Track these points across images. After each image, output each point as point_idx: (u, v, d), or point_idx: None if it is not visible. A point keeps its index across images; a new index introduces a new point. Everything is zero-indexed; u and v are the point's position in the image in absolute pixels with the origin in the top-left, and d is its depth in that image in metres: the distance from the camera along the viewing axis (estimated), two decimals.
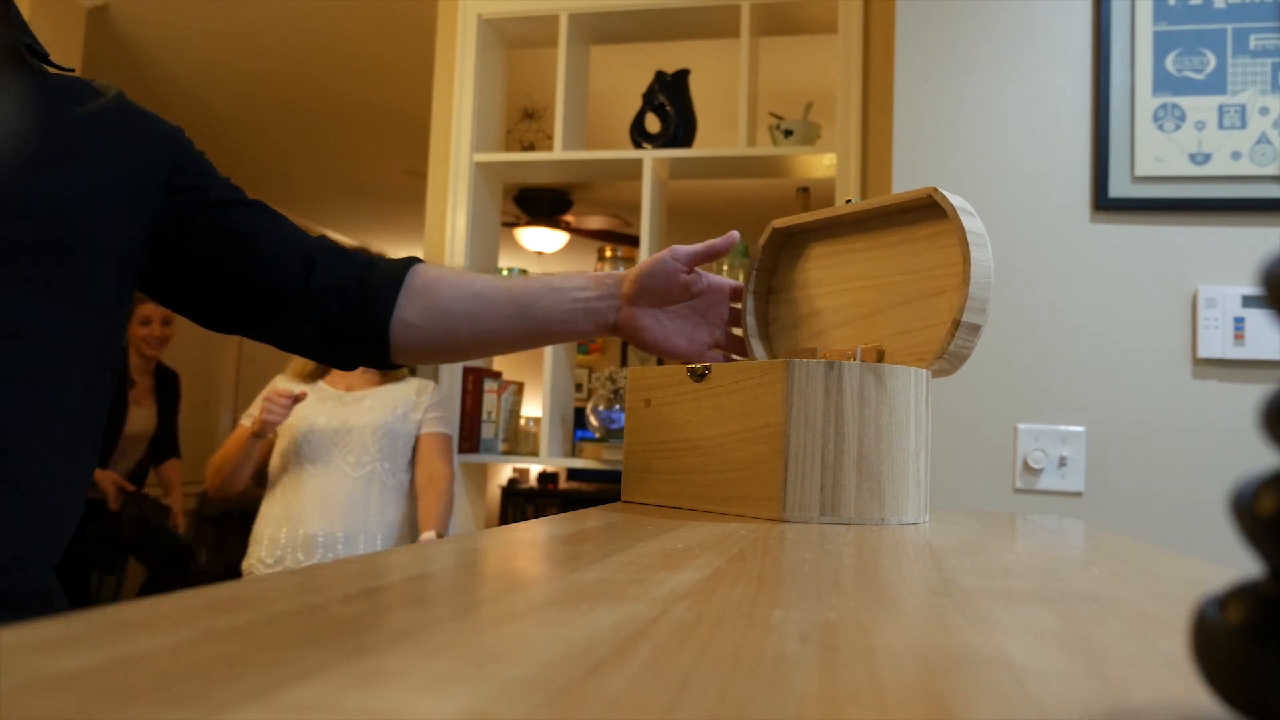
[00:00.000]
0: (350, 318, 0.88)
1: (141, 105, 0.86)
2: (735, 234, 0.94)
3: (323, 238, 0.91)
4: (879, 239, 0.92)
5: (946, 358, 0.82)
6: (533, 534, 0.57)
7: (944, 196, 0.83)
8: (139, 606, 0.29)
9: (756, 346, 1.01)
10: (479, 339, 0.91)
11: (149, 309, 3.04)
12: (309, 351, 0.90)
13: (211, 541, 4.92)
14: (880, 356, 0.87)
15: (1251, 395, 1.50)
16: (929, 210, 0.87)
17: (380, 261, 0.91)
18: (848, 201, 0.95)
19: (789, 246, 1.04)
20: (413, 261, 0.92)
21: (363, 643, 0.26)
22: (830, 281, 0.97)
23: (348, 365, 0.92)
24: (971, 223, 0.82)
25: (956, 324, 0.80)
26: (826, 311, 0.97)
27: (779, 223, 1.02)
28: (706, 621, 0.31)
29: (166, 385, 3.22)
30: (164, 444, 3.19)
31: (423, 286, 0.89)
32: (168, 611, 0.29)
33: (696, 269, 0.94)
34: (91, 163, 0.78)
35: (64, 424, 0.74)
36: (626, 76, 3.36)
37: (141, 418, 3.10)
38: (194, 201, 0.85)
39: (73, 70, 0.84)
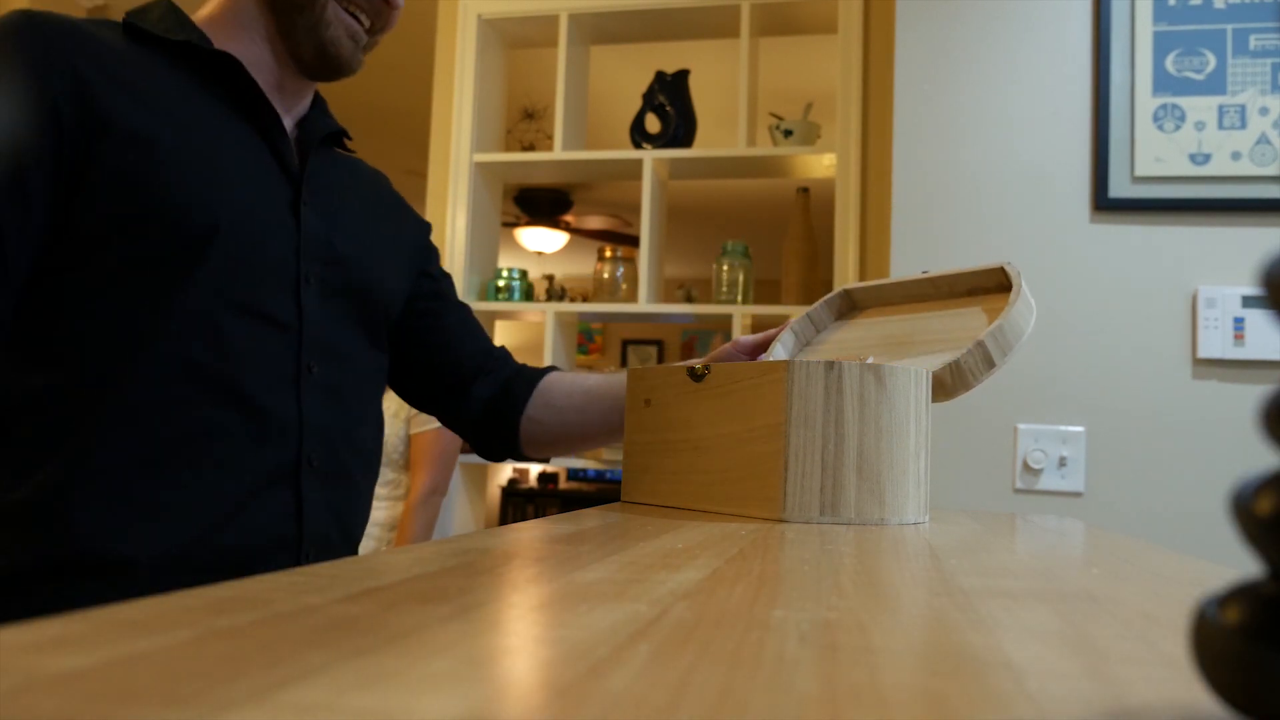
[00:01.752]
0: (493, 416, 1.05)
1: None
2: (791, 322, 1.07)
3: (498, 348, 1.09)
4: (934, 307, 0.98)
5: (951, 369, 0.83)
6: (533, 534, 0.57)
7: (1014, 269, 0.90)
8: (139, 606, 0.29)
9: None
10: (586, 430, 1.05)
11: None
12: (466, 434, 1.08)
13: None
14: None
15: (1251, 395, 1.50)
16: (991, 290, 0.93)
17: (526, 370, 1.08)
18: (924, 271, 1.00)
19: (847, 309, 1.09)
20: (551, 369, 1.09)
21: (363, 643, 0.26)
22: (868, 337, 1.02)
23: (493, 455, 1.08)
24: (1029, 297, 0.89)
25: (979, 343, 0.83)
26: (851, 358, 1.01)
27: (850, 287, 1.07)
28: (706, 621, 0.31)
29: None
30: None
31: (545, 387, 1.05)
32: (168, 611, 0.29)
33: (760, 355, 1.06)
34: (379, 229, 0.97)
35: (365, 430, 0.92)
36: (626, 76, 3.36)
37: None
38: (430, 289, 1.05)
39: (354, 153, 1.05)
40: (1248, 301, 1.50)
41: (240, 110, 0.84)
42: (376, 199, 1.00)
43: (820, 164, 2.36)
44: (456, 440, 2.35)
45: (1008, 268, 0.91)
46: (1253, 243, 1.52)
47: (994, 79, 1.63)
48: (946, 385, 0.84)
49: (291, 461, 0.81)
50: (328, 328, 0.86)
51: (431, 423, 2.33)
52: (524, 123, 4.03)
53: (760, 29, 2.46)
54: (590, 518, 0.70)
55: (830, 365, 0.75)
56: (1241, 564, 1.43)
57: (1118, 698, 0.24)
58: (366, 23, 0.90)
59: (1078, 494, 1.54)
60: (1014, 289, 0.88)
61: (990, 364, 0.83)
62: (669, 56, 3.05)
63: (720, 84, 3.31)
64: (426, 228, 1.09)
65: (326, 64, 0.89)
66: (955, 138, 1.63)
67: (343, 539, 0.88)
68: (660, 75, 2.52)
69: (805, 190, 2.50)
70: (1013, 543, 0.66)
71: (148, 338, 0.74)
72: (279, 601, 0.31)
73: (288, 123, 0.90)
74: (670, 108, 2.47)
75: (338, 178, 0.93)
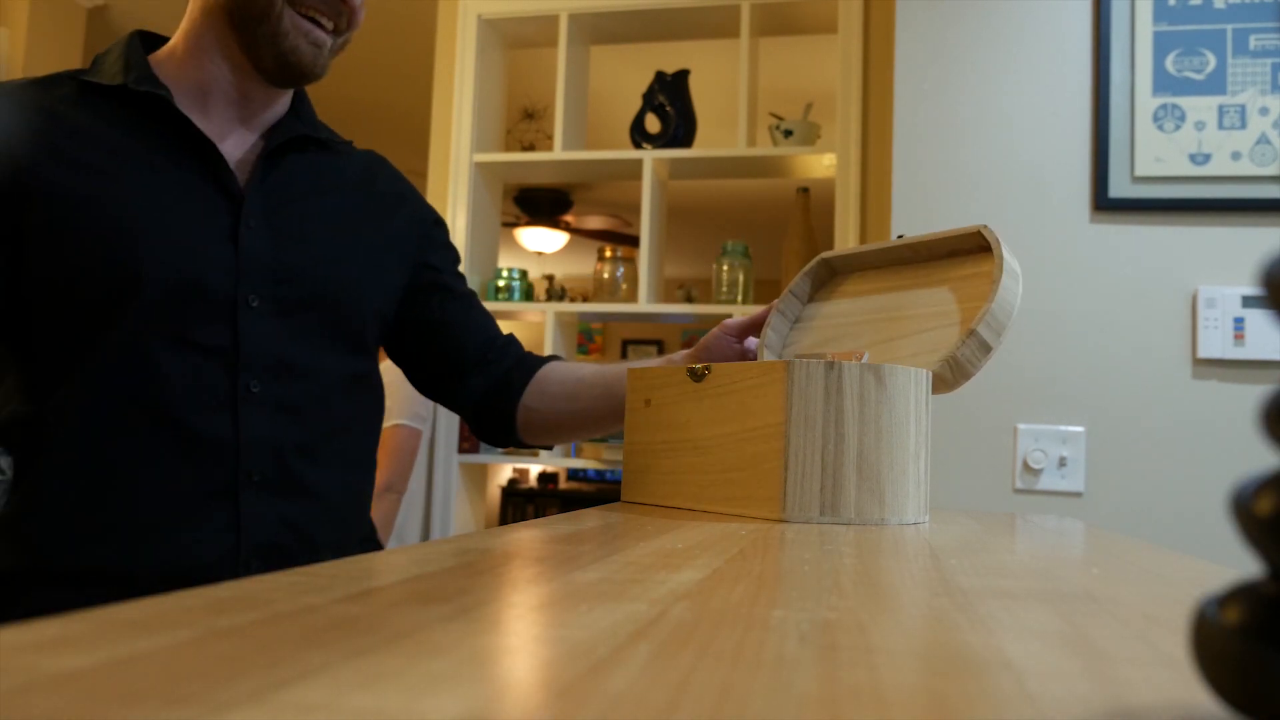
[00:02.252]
0: (493, 402, 1.07)
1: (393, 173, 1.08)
2: (776, 303, 1.06)
3: (505, 336, 1.10)
4: (917, 276, 0.96)
5: (949, 364, 0.82)
6: (533, 534, 0.57)
7: (991, 233, 0.88)
8: (139, 606, 0.29)
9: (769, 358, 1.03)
10: (576, 417, 1.06)
11: None
12: (469, 422, 1.10)
13: None
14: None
15: (1251, 395, 1.50)
16: (972, 251, 0.92)
17: (528, 358, 1.09)
18: (899, 236, 0.98)
19: (828, 278, 1.07)
20: (553, 358, 1.10)
21: (363, 643, 0.26)
22: (858, 313, 1.00)
23: (494, 441, 1.10)
24: (1012, 261, 0.86)
25: (972, 333, 0.82)
26: (844, 338, 0.99)
27: (827, 255, 1.06)
28: (706, 621, 0.31)
29: None
30: None
31: (542, 375, 1.07)
32: (168, 611, 0.29)
33: (749, 337, 1.06)
34: (359, 228, 0.97)
35: (338, 440, 0.94)
36: (626, 76, 3.36)
37: None
38: (429, 280, 1.05)
39: (350, 142, 1.05)
40: (1248, 301, 1.50)
41: (177, 145, 0.87)
42: (361, 194, 0.99)
43: (820, 164, 2.36)
44: (416, 436, 2.33)
45: (985, 231, 0.89)
46: (1253, 243, 1.52)
47: (994, 79, 1.63)
48: (948, 379, 0.84)
49: (228, 479, 0.84)
50: (276, 346, 0.87)
51: (390, 419, 2.31)
52: (524, 123, 4.03)
53: (760, 29, 2.46)
54: (590, 518, 0.70)
55: (830, 365, 0.75)
56: (1241, 564, 1.43)
57: (1118, 698, 0.24)
58: (329, 25, 0.91)
59: (1078, 494, 1.54)
60: (996, 260, 0.86)
61: (987, 349, 0.83)
62: (669, 56, 3.05)
63: (720, 84, 3.31)
64: (428, 217, 1.07)
65: (288, 71, 0.90)
66: (955, 138, 1.63)
67: (303, 547, 0.88)
68: (660, 75, 2.52)
69: (805, 190, 2.50)
70: (1013, 543, 0.66)
71: (86, 373, 0.82)
72: (279, 601, 0.31)
73: (249, 136, 0.93)
74: (670, 108, 2.47)
75: (305, 183, 0.94)
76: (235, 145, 0.92)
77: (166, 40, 0.95)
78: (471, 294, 1.09)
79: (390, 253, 1.00)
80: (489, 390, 1.06)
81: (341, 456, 0.94)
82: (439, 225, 1.09)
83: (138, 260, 0.81)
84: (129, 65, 0.88)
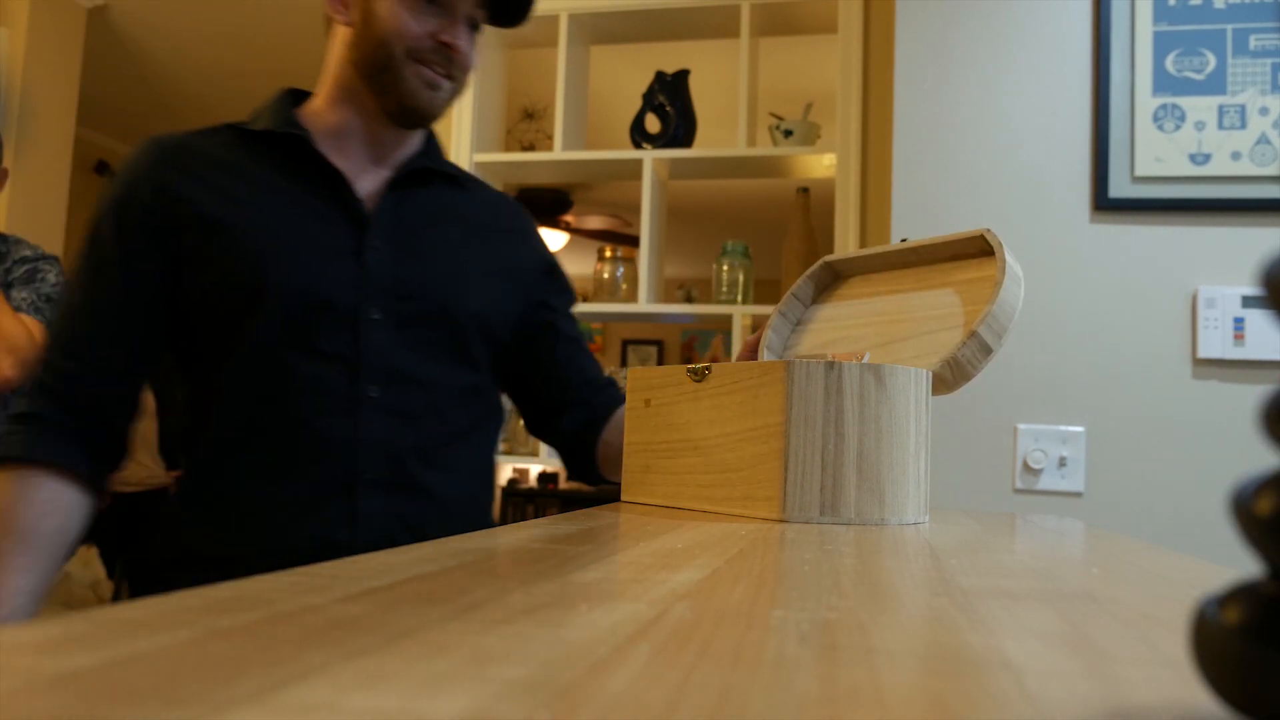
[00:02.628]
0: (581, 439, 1.11)
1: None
2: (776, 308, 1.09)
3: (606, 378, 1.15)
4: (919, 278, 0.96)
5: (950, 365, 0.82)
6: (533, 534, 0.57)
7: (994, 237, 0.88)
8: (139, 606, 0.29)
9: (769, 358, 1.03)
10: None
11: None
12: (564, 462, 1.15)
13: None
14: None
15: (1251, 395, 1.50)
16: (974, 255, 0.91)
17: (617, 395, 1.12)
18: (903, 240, 0.98)
19: (830, 281, 1.07)
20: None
21: (363, 643, 0.26)
22: (859, 316, 1.00)
23: (582, 479, 1.15)
24: (1014, 265, 0.86)
25: (973, 334, 0.81)
26: (846, 340, 0.99)
27: (830, 258, 1.06)
28: (706, 621, 0.31)
29: None
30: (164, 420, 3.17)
31: (620, 410, 1.10)
32: (168, 611, 0.29)
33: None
34: (477, 255, 1.05)
35: (455, 445, 1.01)
36: (626, 76, 3.36)
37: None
38: (544, 319, 1.11)
39: (481, 181, 1.15)
40: (1248, 301, 1.50)
41: (311, 177, 0.99)
42: (483, 226, 1.08)
43: (820, 164, 2.36)
44: None
45: (988, 235, 0.89)
46: (1253, 243, 1.52)
47: (994, 79, 1.63)
48: (948, 380, 0.84)
49: (346, 476, 0.93)
50: (394, 356, 0.96)
51: None
52: (524, 123, 4.03)
53: (760, 29, 2.46)
54: (590, 518, 0.70)
55: (830, 365, 0.75)
56: (1241, 564, 1.43)
57: (1118, 698, 0.24)
58: (443, 71, 1.00)
59: (1078, 494, 1.54)
60: (999, 264, 0.86)
61: (988, 351, 0.83)
62: (669, 56, 3.05)
63: (720, 84, 3.31)
64: (547, 261, 1.15)
65: (409, 114, 1.01)
66: (955, 138, 1.63)
67: (413, 541, 0.94)
68: (660, 75, 2.52)
69: (805, 190, 2.50)
70: (1013, 543, 0.66)
71: (228, 380, 0.94)
72: (279, 601, 0.31)
73: (381, 172, 1.04)
74: (670, 108, 2.47)
75: (428, 211, 1.04)
76: (368, 180, 1.02)
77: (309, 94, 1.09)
78: (579, 337, 1.15)
79: (507, 281, 1.07)
80: (579, 428, 1.11)
81: (457, 462, 1.01)
82: (557, 269, 1.16)
83: (268, 277, 0.92)
84: (276, 114, 1.02)
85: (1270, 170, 1.51)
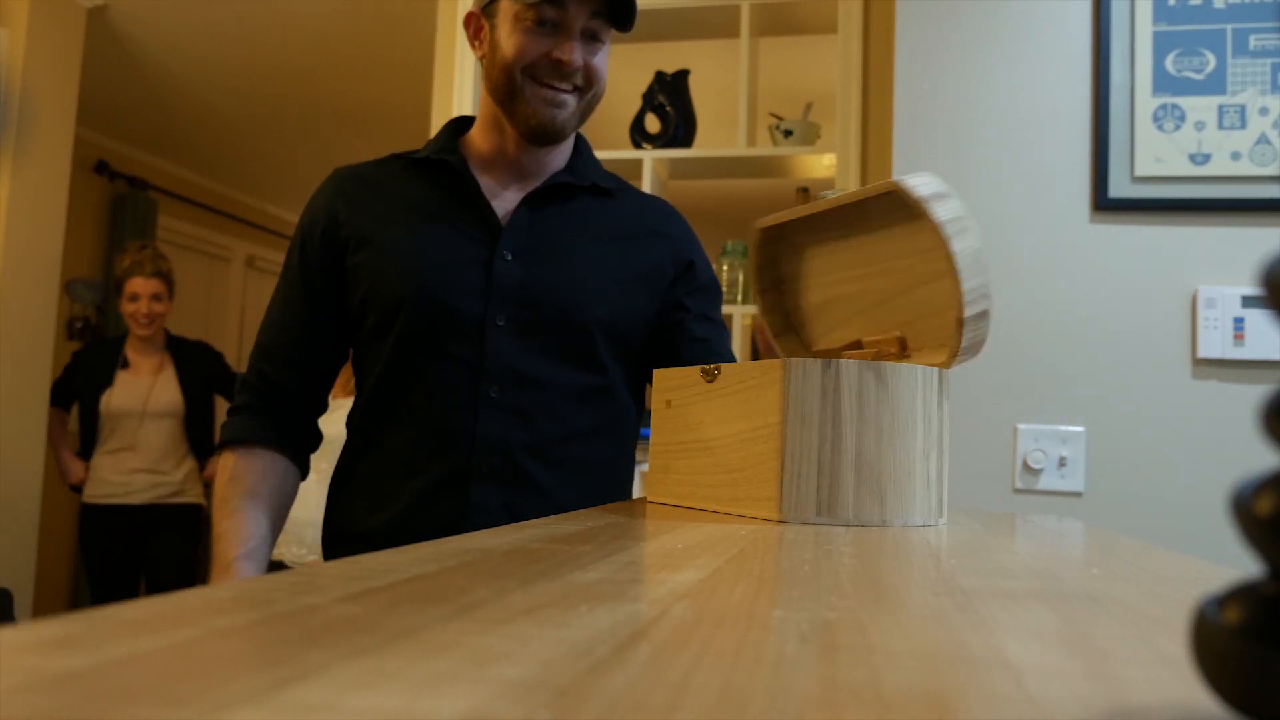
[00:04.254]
0: None
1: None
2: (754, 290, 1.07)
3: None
4: (868, 227, 0.90)
5: (964, 351, 0.79)
6: (533, 534, 0.57)
7: (908, 191, 0.78)
8: (139, 606, 0.29)
9: (781, 344, 1.00)
10: None
11: (137, 284, 2.87)
12: None
13: None
14: (904, 345, 0.85)
15: (1251, 395, 1.50)
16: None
17: None
18: (822, 195, 0.94)
19: (783, 243, 1.03)
20: None
21: (363, 643, 0.26)
22: (833, 270, 0.95)
23: None
24: (947, 208, 0.77)
25: (960, 322, 0.77)
26: (839, 301, 0.95)
27: (763, 222, 1.02)
28: (706, 621, 0.31)
29: (189, 363, 3.00)
30: (193, 423, 2.96)
31: None
32: (168, 611, 0.29)
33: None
34: (608, 263, 1.11)
35: (571, 443, 1.08)
36: (626, 76, 3.36)
37: (137, 395, 2.88)
38: (675, 319, 1.15)
39: (631, 189, 1.22)
40: (1248, 301, 1.50)
41: (458, 197, 1.10)
42: (619, 233, 1.14)
43: (820, 164, 2.36)
44: None
45: (898, 188, 0.79)
46: (1253, 243, 1.52)
47: (994, 79, 1.63)
48: (970, 355, 0.79)
49: (464, 468, 1.03)
50: (515, 360, 1.05)
51: None
52: None
53: (760, 29, 2.46)
54: (590, 518, 0.70)
55: (828, 364, 0.73)
56: (1241, 564, 1.43)
57: (1118, 698, 0.24)
58: (566, 87, 1.07)
59: (1078, 494, 1.54)
60: (940, 235, 0.76)
61: (984, 315, 0.77)
62: (669, 56, 3.05)
63: (720, 84, 3.31)
64: (686, 261, 1.17)
65: (536, 133, 1.08)
66: (955, 138, 1.63)
67: None
68: (660, 75, 2.51)
69: (805, 190, 2.50)
70: (1013, 543, 0.66)
71: (373, 379, 1.08)
72: (279, 601, 0.31)
73: (527, 187, 1.12)
74: (670, 108, 2.47)
75: (563, 223, 1.11)
76: (510, 197, 1.11)
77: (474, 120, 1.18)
78: (711, 337, 1.16)
79: (640, 286, 1.13)
80: None
81: (572, 460, 1.08)
82: (696, 268, 1.18)
83: (407, 288, 1.04)
84: (437, 142, 1.15)
85: (1270, 170, 1.51)
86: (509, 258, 1.07)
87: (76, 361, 3.02)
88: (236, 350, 5.70)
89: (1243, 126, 1.52)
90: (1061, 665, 0.27)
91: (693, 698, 0.22)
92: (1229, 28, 1.54)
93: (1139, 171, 1.55)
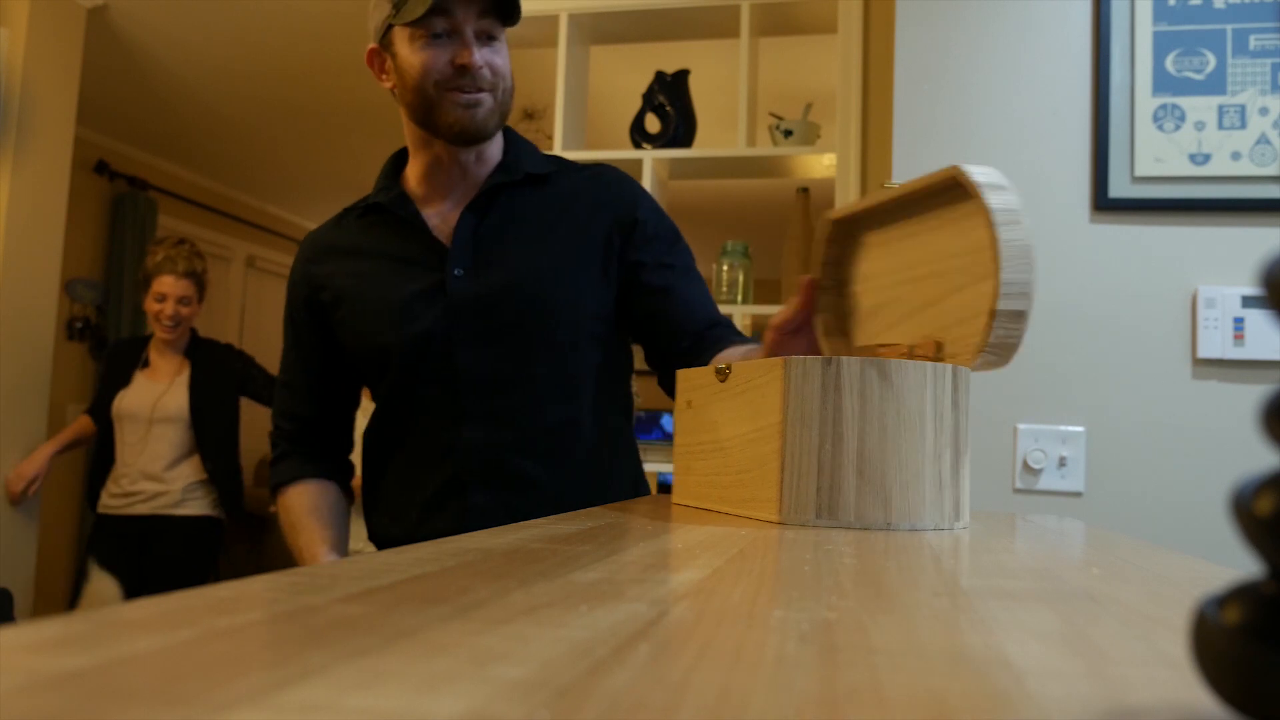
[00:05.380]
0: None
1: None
2: (807, 280, 1.00)
3: (714, 326, 1.17)
4: (926, 222, 0.87)
5: (991, 350, 0.76)
6: (533, 534, 0.57)
7: (966, 175, 0.77)
8: (139, 606, 0.29)
9: (827, 345, 0.97)
10: None
11: (166, 284, 2.72)
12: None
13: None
14: (939, 349, 0.82)
15: (1251, 395, 1.50)
16: (964, 194, 0.81)
17: (724, 343, 1.13)
18: (884, 185, 0.92)
19: (849, 241, 0.99)
20: (742, 342, 1.14)
21: (363, 643, 0.26)
22: (892, 270, 0.92)
23: None
24: (1001, 199, 0.76)
25: (993, 314, 0.73)
26: (893, 304, 0.91)
27: (833, 214, 0.99)
28: (706, 621, 0.31)
29: (209, 368, 2.84)
30: (203, 432, 2.78)
31: (730, 349, 1.12)
32: (168, 611, 0.29)
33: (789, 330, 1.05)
34: (556, 248, 1.14)
35: (555, 436, 1.12)
36: (626, 76, 3.36)
37: (147, 399, 2.75)
38: (629, 278, 1.17)
39: (573, 166, 1.23)
40: (1248, 301, 1.50)
41: (404, 231, 1.15)
42: (560, 216, 1.16)
43: (820, 164, 2.36)
44: None
45: (959, 173, 0.78)
46: (1253, 243, 1.52)
47: (994, 79, 1.63)
48: (994, 360, 0.76)
49: (458, 477, 1.10)
50: (489, 367, 1.10)
51: None
52: (524, 123, 4.02)
53: (760, 29, 2.46)
54: (590, 518, 0.70)
55: (828, 362, 0.71)
56: (1241, 564, 1.43)
57: (1118, 698, 0.24)
58: (473, 87, 1.09)
59: (1078, 494, 1.54)
60: (988, 220, 0.74)
61: (1020, 316, 0.74)
62: (669, 56, 3.05)
63: (720, 84, 3.31)
64: (630, 218, 1.17)
65: (462, 136, 1.11)
66: (955, 138, 1.63)
67: None
68: (660, 75, 2.51)
69: (805, 190, 2.50)
70: (1013, 543, 0.66)
71: (380, 408, 1.17)
72: (279, 601, 0.31)
73: (460, 204, 1.15)
74: (670, 108, 2.47)
75: (503, 223, 1.14)
76: (452, 210, 1.15)
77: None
78: (669, 287, 1.16)
79: (590, 256, 1.14)
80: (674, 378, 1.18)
81: (558, 450, 1.11)
82: (643, 221, 1.18)
83: (379, 329, 1.12)
84: (379, 182, 1.20)
85: (1270, 170, 1.51)
86: (459, 274, 1.11)
87: (104, 367, 2.91)
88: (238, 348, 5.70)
89: (1243, 126, 1.52)
90: (1061, 665, 0.27)
91: (693, 698, 0.22)
92: (1229, 28, 1.54)
93: (1139, 171, 1.55)
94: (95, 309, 4.39)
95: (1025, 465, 1.55)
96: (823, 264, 0.99)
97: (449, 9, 1.06)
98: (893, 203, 0.91)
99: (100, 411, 2.85)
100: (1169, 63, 1.55)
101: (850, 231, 1.00)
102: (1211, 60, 1.54)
